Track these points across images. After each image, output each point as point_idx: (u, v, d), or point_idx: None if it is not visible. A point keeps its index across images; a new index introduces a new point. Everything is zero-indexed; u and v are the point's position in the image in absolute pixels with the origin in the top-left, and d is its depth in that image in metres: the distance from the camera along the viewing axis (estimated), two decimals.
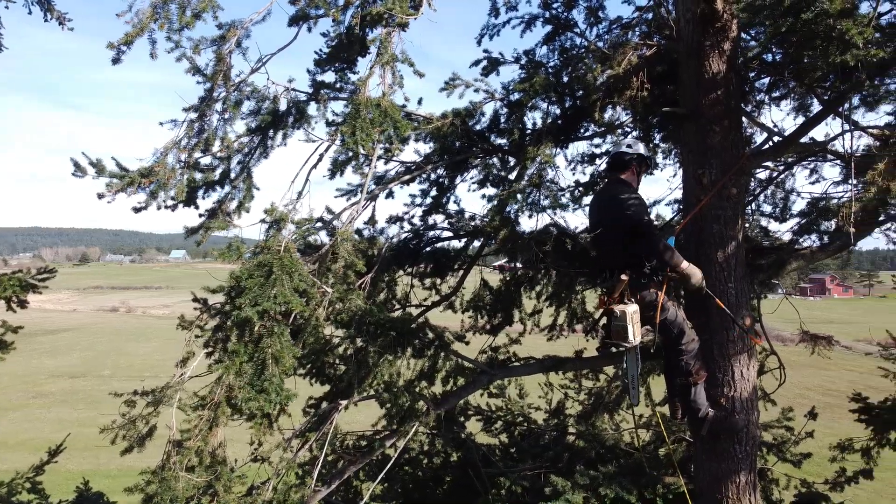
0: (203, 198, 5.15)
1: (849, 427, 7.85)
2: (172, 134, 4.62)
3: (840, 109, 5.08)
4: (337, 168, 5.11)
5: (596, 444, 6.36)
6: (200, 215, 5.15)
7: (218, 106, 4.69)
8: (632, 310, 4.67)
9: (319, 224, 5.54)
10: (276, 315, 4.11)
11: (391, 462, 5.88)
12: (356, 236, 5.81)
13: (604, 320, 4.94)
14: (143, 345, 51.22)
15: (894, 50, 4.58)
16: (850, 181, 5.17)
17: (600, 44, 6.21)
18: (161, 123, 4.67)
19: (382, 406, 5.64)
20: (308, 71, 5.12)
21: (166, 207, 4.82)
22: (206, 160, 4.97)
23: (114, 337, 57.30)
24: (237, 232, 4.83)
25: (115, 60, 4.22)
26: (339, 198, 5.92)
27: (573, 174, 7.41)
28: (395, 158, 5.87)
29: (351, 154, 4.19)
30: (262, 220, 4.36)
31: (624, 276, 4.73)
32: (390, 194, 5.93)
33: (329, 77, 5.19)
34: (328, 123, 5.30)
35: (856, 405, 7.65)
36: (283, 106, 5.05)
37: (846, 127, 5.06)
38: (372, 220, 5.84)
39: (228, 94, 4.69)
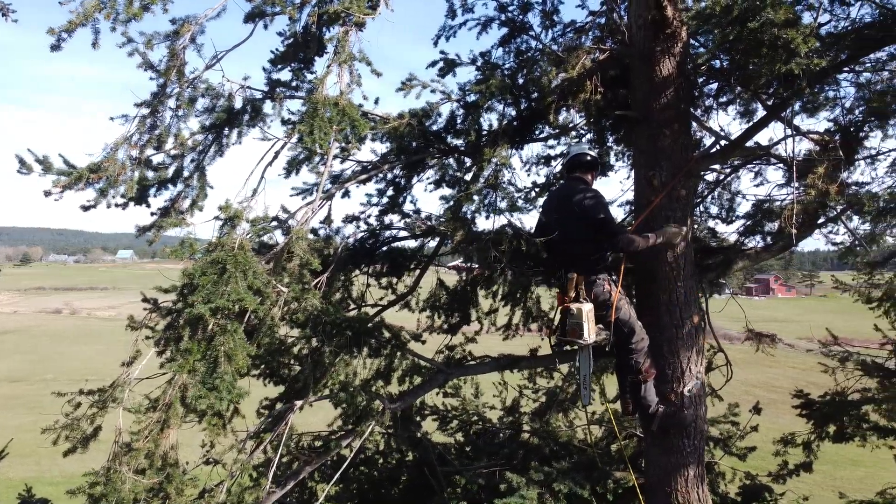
0: (155, 196, 5.05)
1: (791, 422, 8.15)
2: (123, 130, 4.52)
3: (783, 115, 5.29)
4: (293, 167, 5.08)
5: (550, 441, 6.45)
6: (152, 214, 5.05)
7: (171, 102, 4.61)
8: (587, 308, 4.77)
9: (274, 223, 5.48)
10: (229, 313, 4.06)
11: (347, 462, 5.86)
12: (312, 235, 5.77)
13: (560, 318, 5.03)
14: (88, 347, 49.70)
15: (833, 59, 4.80)
16: (792, 184, 5.37)
17: (555, 47, 6.32)
18: (112, 119, 4.57)
19: (338, 406, 5.62)
20: (264, 69, 5.08)
21: (116, 206, 4.71)
22: (158, 157, 4.88)
23: (57, 339, 55.49)
24: (190, 230, 4.75)
25: (55, 47, 4.10)
26: (294, 196, 5.87)
27: (528, 175, 7.52)
28: (351, 158, 5.86)
29: (307, 153, 4.16)
30: (217, 218, 4.30)
31: (572, 275, 4.84)
32: (346, 193, 5.91)
33: (285, 75, 5.15)
34: (284, 122, 5.27)
35: (797, 401, 7.95)
36: (238, 104, 4.99)
37: (788, 132, 5.27)
38: (328, 220, 5.81)
39: (182, 91, 4.61)
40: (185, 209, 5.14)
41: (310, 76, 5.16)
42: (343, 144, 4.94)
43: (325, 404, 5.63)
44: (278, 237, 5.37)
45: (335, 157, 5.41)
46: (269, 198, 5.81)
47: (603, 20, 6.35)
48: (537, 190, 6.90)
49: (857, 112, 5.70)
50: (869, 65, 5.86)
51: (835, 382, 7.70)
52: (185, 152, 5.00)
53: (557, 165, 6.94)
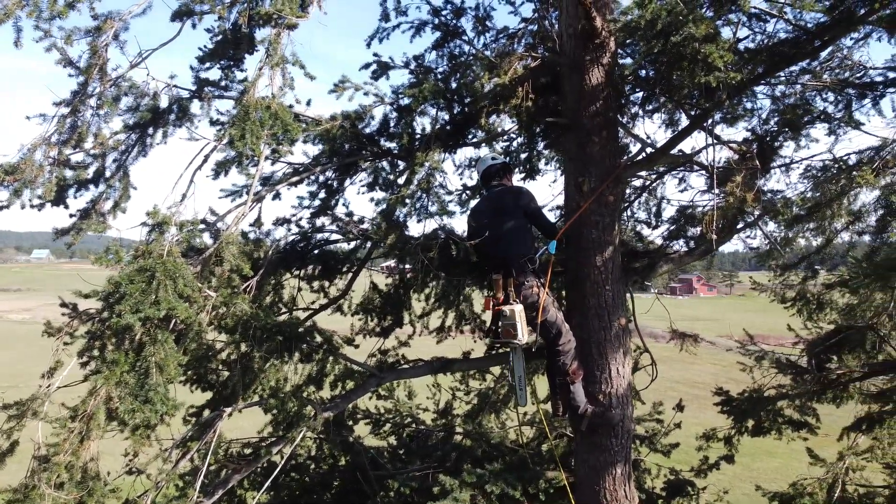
0: (74, 197, 4.84)
1: (712, 417, 8.48)
2: (42, 129, 4.31)
3: (705, 125, 5.51)
4: (222, 168, 4.96)
5: (482, 442, 6.51)
6: (71, 215, 4.84)
7: (92, 101, 4.42)
8: (519, 309, 4.85)
9: (203, 226, 5.34)
10: (158, 321, 3.93)
11: (277, 469, 5.76)
12: (242, 239, 5.65)
13: (492, 320, 5.09)
14: (2, 353, 47.06)
15: (750, 73, 5.02)
16: (713, 191, 5.59)
17: (488, 52, 6.39)
18: (28, 118, 4.35)
19: (268, 412, 5.52)
20: (191, 67, 4.94)
21: (32, 207, 4.49)
22: (78, 157, 4.67)
23: None
24: (114, 234, 4.57)
25: None
26: (223, 199, 5.73)
27: (461, 179, 7.57)
28: (283, 160, 5.76)
29: (237, 155, 4.07)
30: (144, 224, 4.15)
31: (502, 277, 4.92)
32: (277, 196, 5.80)
33: (215, 74, 5.03)
34: (213, 122, 5.14)
35: (718, 398, 8.29)
36: (164, 103, 4.83)
37: (710, 141, 5.49)
38: (258, 222, 5.70)
39: (104, 89, 4.42)
40: (106, 211, 4.94)
41: (240, 75, 5.06)
42: (275, 146, 4.86)
43: (255, 410, 5.52)
44: (207, 240, 5.24)
45: (266, 158, 5.31)
46: (198, 199, 5.67)
47: (535, 27, 6.46)
48: (469, 193, 6.97)
49: (772, 123, 6.01)
50: (783, 77, 6.18)
51: (752, 380, 8.05)
52: (106, 152, 4.80)
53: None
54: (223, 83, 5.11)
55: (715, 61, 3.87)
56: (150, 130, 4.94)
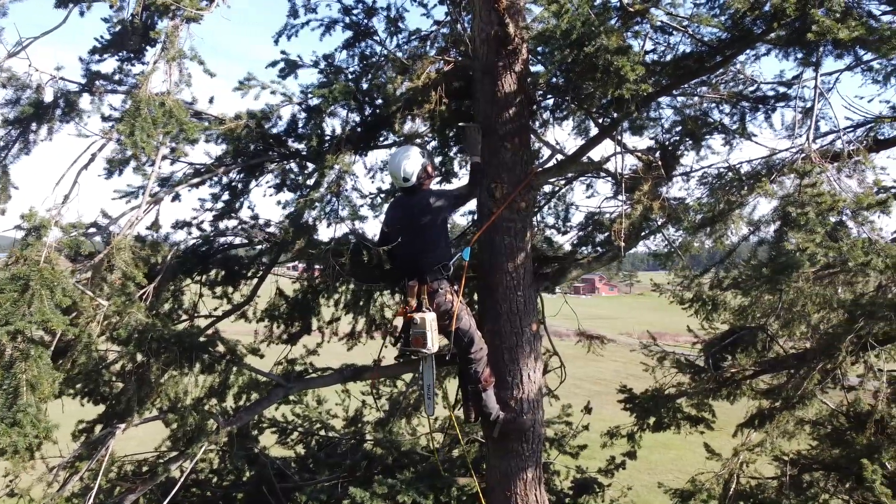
0: None
1: (615, 413, 8.71)
2: None
3: (613, 133, 5.63)
4: (115, 167, 4.63)
5: (393, 450, 6.41)
6: None
7: None
8: (430, 317, 4.77)
9: (94, 229, 4.97)
10: (32, 335, 3.59)
11: (177, 487, 5.43)
12: (137, 243, 5.29)
13: (403, 327, 4.98)
14: None
15: (656, 84, 5.17)
16: (619, 197, 5.72)
17: (400, 54, 6.28)
18: None
19: (167, 426, 5.21)
20: (81, 59, 4.57)
21: None
22: None
23: None
24: None
25: None
26: (117, 200, 5.34)
27: (373, 182, 7.43)
28: (183, 160, 5.43)
29: (131, 154, 3.77)
30: (18, 227, 3.78)
31: (415, 284, 4.83)
32: (177, 197, 5.47)
33: (111, 66, 4.67)
34: (105, 118, 4.78)
35: (622, 395, 8.54)
36: (48, 97, 4.43)
37: (618, 149, 5.61)
38: (156, 225, 5.34)
39: None
40: None
41: (139, 69, 4.73)
42: (174, 145, 4.57)
43: (155, 423, 5.20)
44: (99, 244, 4.88)
45: (165, 158, 4.99)
46: (90, 200, 5.27)
47: (447, 30, 6.41)
48: (383, 196, 6.84)
49: (674, 133, 6.22)
50: (685, 89, 6.42)
51: (654, 380, 8.35)
52: None
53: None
54: (117, 77, 4.77)
55: (627, 73, 3.94)
56: (34, 126, 4.53)
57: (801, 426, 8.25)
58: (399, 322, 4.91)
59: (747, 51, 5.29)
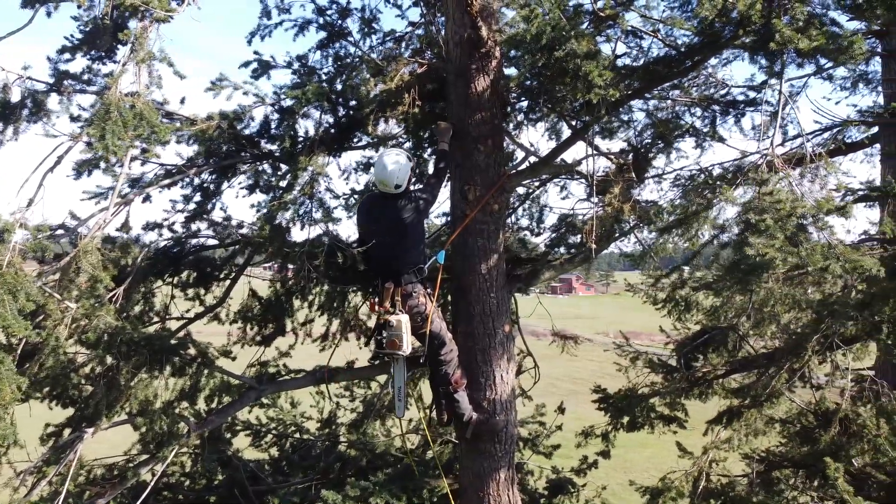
0: None
1: (591, 412, 8.79)
2: None
3: (585, 136, 5.68)
4: (84, 169, 4.58)
5: (367, 452, 6.40)
6: None
7: None
8: (406, 320, 4.77)
9: (62, 231, 4.91)
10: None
11: (147, 490, 5.37)
12: (108, 244, 5.24)
13: (376, 329, 4.98)
14: None
15: (629, 87, 5.23)
16: (591, 199, 5.77)
17: (374, 55, 6.28)
18: None
19: (137, 430, 5.16)
20: (48, 59, 4.50)
21: None
22: None
23: None
24: None
25: None
26: (86, 201, 5.27)
27: (347, 183, 7.41)
28: (154, 160, 5.37)
29: (100, 156, 3.73)
30: None
31: (389, 286, 4.83)
32: (148, 199, 5.41)
33: (77, 66, 4.61)
34: (73, 118, 4.72)
35: (596, 395, 8.62)
36: (15, 96, 4.37)
37: (590, 151, 5.66)
38: (126, 227, 5.29)
39: None
40: None
41: (107, 68, 4.67)
42: (144, 146, 4.53)
43: (126, 426, 5.14)
44: (69, 246, 4.82)
45: (135, 158, 4.94)
46: (60, 201, 5.21)
47: (422, 32, 6.42)
48: (357, 197, 6.83)
49: (646, 135, 6.29)
50: (656, 92, 6.49)
51: (628, 380, 8.44)
52: None
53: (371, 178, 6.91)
54: (86, 76, 4.71)
55: (594, 79, 3.98)
56: (0, 126, 4.46)
57: (771, 424, 8.41)
58: (374, 324, 4.91)
59: (718, 55, 5.38)
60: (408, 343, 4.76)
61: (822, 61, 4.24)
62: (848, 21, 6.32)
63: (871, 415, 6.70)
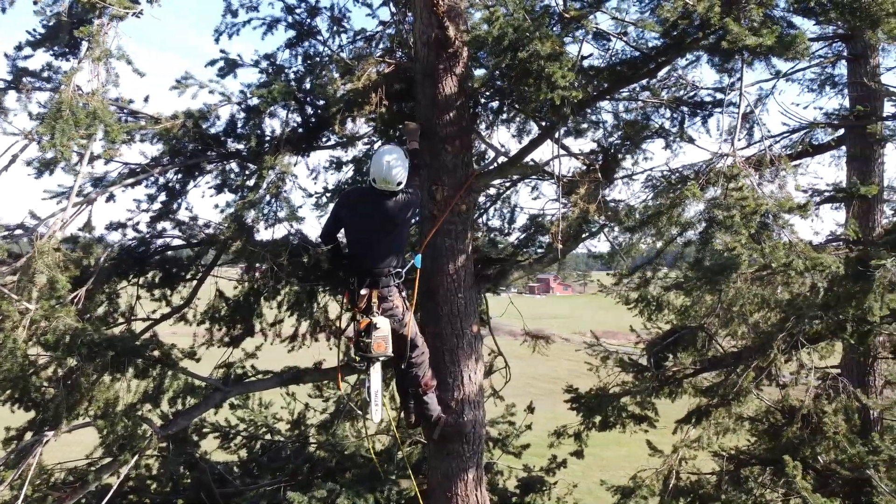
0: None
1: (567, 411, 8.82)
2: None
3: (556, 136, 5.70)
4: (45, 167, 4.49)
5: (336, 453, 6.37)
6: None
7: None
8: (388, 322, 4.73)
9: (20, 231, 4.82)
10: None
11: (111, 493, 5.30)
12: (69, 244, 5.15)
13: (356, 332, 4.91)
14: None
15: (595, 89, 5.26)
16: (559, 201, 5.79)
17: (344, 54, 6.25)
18: None
19: (100, 433, 5.07)
20: (6, 55, 4.42)
21: None
22: None
23: None
24: None
25: None
26: (48, 200, 5.17)
27: (315, 183, 7.35)
28: (118, 159, 5.29)
29: (52, 156, 3.66)
30: None
31: (367, 288, 4.76)
32: (112, 198, 5.33)
33: (43, 60, 4.53)
34: (32, 117, 4.64)
35: (568, 395, 8.67)
36: None
37: (557, 152, 5.69)
38: (88, 226, 5.20)
39: None
40: None
41: (68, 65, 4.59)
42: (105, 144, 4.46)
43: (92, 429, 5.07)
44: (28, 246, 4.73)
45: (97, 157, 4.86)
46: (23, 200, 5.11)
47: (393, 31, 6.40)
48: (329, 195, 6.79)
49: (615, 137, 6.33)
50: (626, 93, 6.54)
51: (598, 379, 8.49)
52: None
53: (349, 171, 6.86)
54: (45, 74, 4.63)
55: (557, 80, 3.99)
56: None
57: (741, 422, 8.51)
58: (353, 325, 4.84)
59: (682, 57, 5.43)
60: (389, 345, 4.72)
61: (774, 61, 4.29)
62: (814, 25, 6.43)
63: (833, 412, 6.81)
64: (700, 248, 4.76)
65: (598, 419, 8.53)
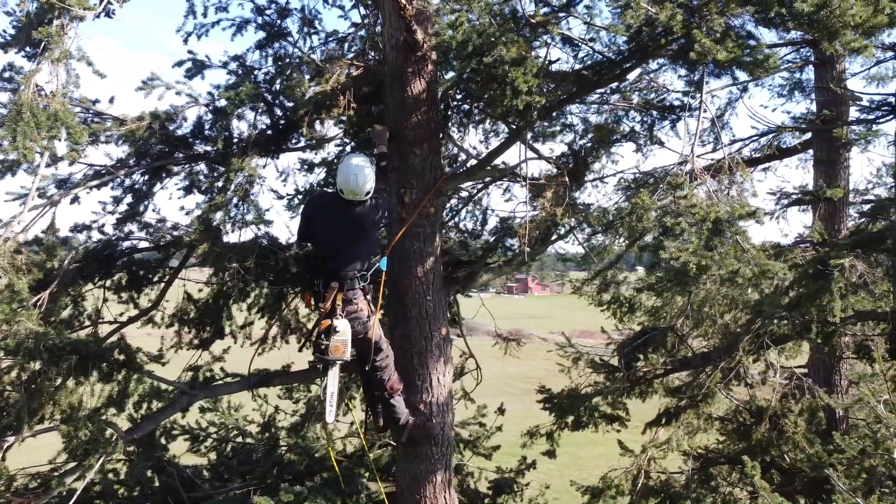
0: None
1: (541, 410, 8.87)
2: None
3: (526, 139, 5.73)
4: (7, 170, 4.44)
5: (305, 456, 6.34)
6: None
7: None
8: (349, 325, 4.72)
9: None
10: None
11: (74, 497, 5.23)
12: (34, 246, 5.09)
13: (317, 334, 4.91)
14: None
15: (566, 92, 5.30)
16: (532, 204, 5.82)
17: (315, 56, 6.22)
18: None
19: (63, 438, 5.02)
20: None
21: None
22: None
23: None
24: None
25: None
26: (10, 202, 5.09)
27: (285, 185, 7.32)
28: (82, 161, 5.23)
29: (14, 158, 3.62)
30: None
31: (331, 290, 4.75)
32: (76, 200, 5.27)
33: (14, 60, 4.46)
34: None
35: (541, 396, 8.73)
36: None
37: (526, 155, 5.72)
38: (52, 229, 5.14)
39: None
40: None
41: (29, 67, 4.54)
42: (73, 146, 4.41)
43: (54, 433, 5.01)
44: None
45: (59, 159, 4.81)
46: None
47: (364, 33, 6.39)
48: (300, 197, 6.76)
49: (585, 139, 6.38)
50: (597, 97, 6.60)
51: (570, 380, 8.56)
52: None
53: (320, 173, 6.83)
54: (7, 74, 4.56)
55: (520, 85, 4.02)
56: None
57: (710, 422, 8.63)
58: (319, 327, 4.83)
59: (647, 63, 5.49)
60: (349, 349, 4.71)
61: (739, 74, 4.36)
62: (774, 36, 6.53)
63: (798, 412, 6.93)
64: (653, 254, 4.80)
65: (570, 419, 8.59)
